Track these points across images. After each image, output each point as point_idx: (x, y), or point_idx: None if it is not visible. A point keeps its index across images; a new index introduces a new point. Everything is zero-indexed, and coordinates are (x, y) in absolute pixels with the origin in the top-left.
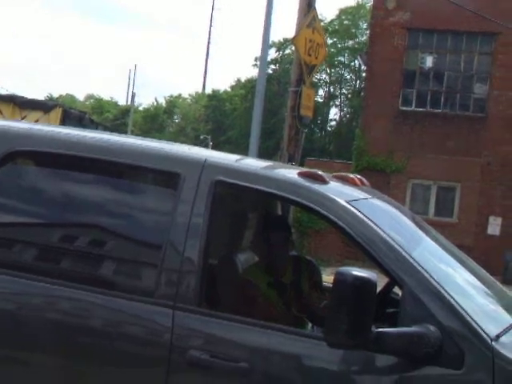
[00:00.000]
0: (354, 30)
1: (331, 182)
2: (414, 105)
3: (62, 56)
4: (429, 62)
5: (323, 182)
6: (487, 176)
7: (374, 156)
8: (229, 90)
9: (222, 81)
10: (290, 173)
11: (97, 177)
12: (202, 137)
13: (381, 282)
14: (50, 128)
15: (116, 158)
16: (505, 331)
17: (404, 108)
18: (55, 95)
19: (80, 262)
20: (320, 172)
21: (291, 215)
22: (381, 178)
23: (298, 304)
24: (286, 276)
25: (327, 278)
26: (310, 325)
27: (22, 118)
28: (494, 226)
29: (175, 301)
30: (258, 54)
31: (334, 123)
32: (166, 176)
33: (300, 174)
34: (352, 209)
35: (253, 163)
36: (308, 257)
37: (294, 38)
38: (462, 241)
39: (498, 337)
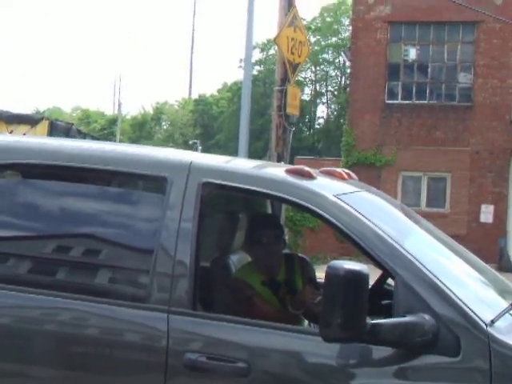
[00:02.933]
0: (336, 27)
1: (318, 178)
2: (399, 97)
3: (47, 69)
4: (412, 54)
5: (310, 177)
6: (477, 164)
7: (363, 151)
8: (215, 93)
9: (208, 85)
10: (277, 170)
11: (84, 186)
12: (190, 142)
13: (375, 274)
14: (33, 139)
15: (101, 166)
16: (499, 316)
17: (390, 101)
18: (42, 108)
19: (72, 272)
20: (307, 168)
21: (283, 214)
22: (371, 173)
23: (292, 301)
24: (279, 274)
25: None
26: (306, 322)
27: (9, 133)
28: (487, 214)
29: (169, 305)
30: (243, 55)
31: (321, 121)
32: (153, 181)
33: (287, 171)
34: (340, 203)
35: (239, 163)
36: (300, 254)
37: (275, 37)
38: (455, 230)
39: (492, 322)
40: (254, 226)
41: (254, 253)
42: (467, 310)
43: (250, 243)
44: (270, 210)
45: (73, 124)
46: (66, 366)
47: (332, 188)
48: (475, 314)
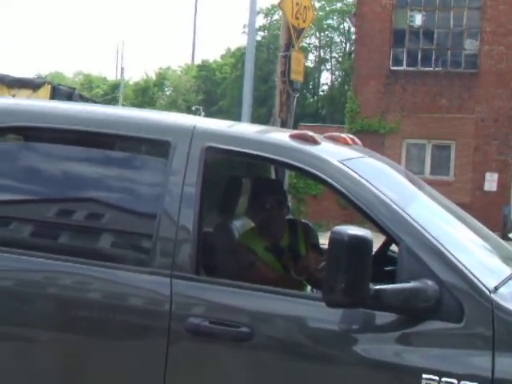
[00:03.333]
0: None
1: (323, 143)
2: (404, 64)
3: (49, 34)
4: (418, 20)
5: (315, 142)
6: (481, 132)
7: (367, 118)
8: (218, 59)
9: (211, 51)
10: (281, 135)
11: (86, 149)
12: (193, 108)
13: (379, 241)
14: (35, 102)
15: (104, 130)
16: (503, 282)
17: (395, 68)
18: (44, 73)
19: (75, 236)
20: (311, 133)
21: (287, 181)
22: (375, 140)
23: (295, 267)
24: (282, 240)
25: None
26: (309, 287)
27: (11, 97)
28: (491, 182)
29: (172, 269)
30: (247, 21)
31: (325, 87)
32: (157, 145)
33: (291, 136)
34: (345, 168)
35: (243, 128)
36: (304, 220)
37: (280, 1)
38: (459, 198)
39: (496, 288)
40: (258, 192)
41: (258, 218)
42: (471, 276)
43: (253, 208)
44: (273, 176)
45: (75, 89)
46: (68, 329)
47: (336, 153)
48: (479, 280)
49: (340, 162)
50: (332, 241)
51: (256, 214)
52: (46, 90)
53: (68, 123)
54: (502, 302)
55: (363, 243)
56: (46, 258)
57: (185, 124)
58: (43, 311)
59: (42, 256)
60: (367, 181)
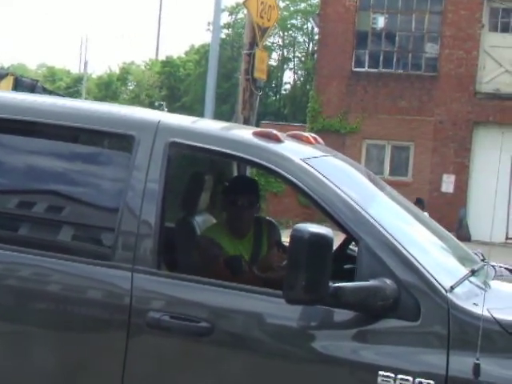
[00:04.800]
0: None
1: (285, 141)
2: (366, 65)
3: (11, 25)
4: (380, 22)
5: (278, 140)
6: (439, 134)
7: (328, 117)
8: (182, 55)
9: (175, 47)
10: (245, 133)
11: (51, 142)
12: (156, 103)
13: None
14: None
15: (69, 123)
16: (459, 282)
17: (357, 69)
18: (6, 65)
19: (37, 228)
20: (274, 131)
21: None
22: (336, 139)
23: (258, 263)
24: (247, 236)
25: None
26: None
27: None
28: (448, 184)
29: (133, 263)
30: (211, 18)
31: (288, 86)
32: (121, 139)
33: (254, 134)
34: (307, 167)
35: (207, 124)
36: (268, 217)
37: (245, 0)
38: None
39: (452, 288)
40: (232, 188)
41: (227, 214)
42: (428, 275)
43: (224, 204)
44: (235, 172)
45: (38, 81)
46: (27, 322)
47: (299, 152)
48: (435, 279)
49: (303, 161)
50: (293, 238)
51: (226, 210)
52: (9, 81)
53: (32, 115)
54: (457, 302)
55: (324, 241)
56: (4, 250)
57: (149, 119)
58: (1, 303)
59: (1, 247)
60: (329, 180)
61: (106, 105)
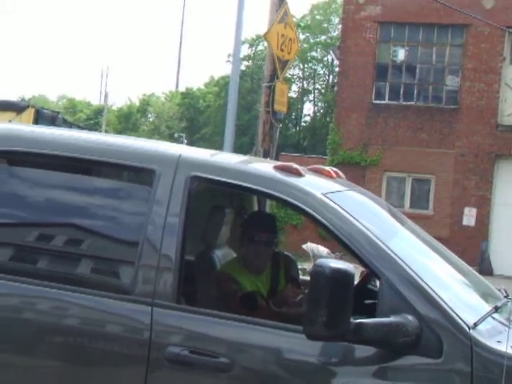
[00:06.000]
0: (326, 25)
1: (306, 175)
2: (387, 98)
3: (33, 57)
4: (401, 54)
5: (299, 175)
6: (461, 167)
7: (348, 150)
8: (202, 87)
9: (195, 78)
10: (266, 167)
11: (71, 175)
12: (176, 135)
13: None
14: (19, 127)
15: (90, 156)
16: (482, 319)
17: (377, 101)
18: (27, 96)
19: (58, 262)
20: (295, 165)
21: (268, 210)
22: (356, 172)
23: (274, 299)
24: (264, 271)
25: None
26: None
27: None
28: (469, 217)
29: (153, 298)
30: (231, 50)
31: (308, 118)
32: (142, 173)
33: (275, 168)
34: (328, 201)
35: (228, 158)
36: (286, 252)
37: (266, 33)
38: (437, 232)
39: (475, 325)
40: (250, 224)
41: (244, 249)
42: (451, 312)
43: (242, 239)
44: (256, 205)
45: (59, 112)
46: (46, 355)
47: (320, 186)
48: (458, 316)
49: (324, 195)
50: (314, 274)
51: (243, 245)
52: (30, 113)
53: (54, 149)
54: (480, 339)
55: (345, 277)
56: (25, 283)
57: (170, 153)
58: (21, 336)
59: (21, 281)
60: (350, 214)
61: (128, 138)
